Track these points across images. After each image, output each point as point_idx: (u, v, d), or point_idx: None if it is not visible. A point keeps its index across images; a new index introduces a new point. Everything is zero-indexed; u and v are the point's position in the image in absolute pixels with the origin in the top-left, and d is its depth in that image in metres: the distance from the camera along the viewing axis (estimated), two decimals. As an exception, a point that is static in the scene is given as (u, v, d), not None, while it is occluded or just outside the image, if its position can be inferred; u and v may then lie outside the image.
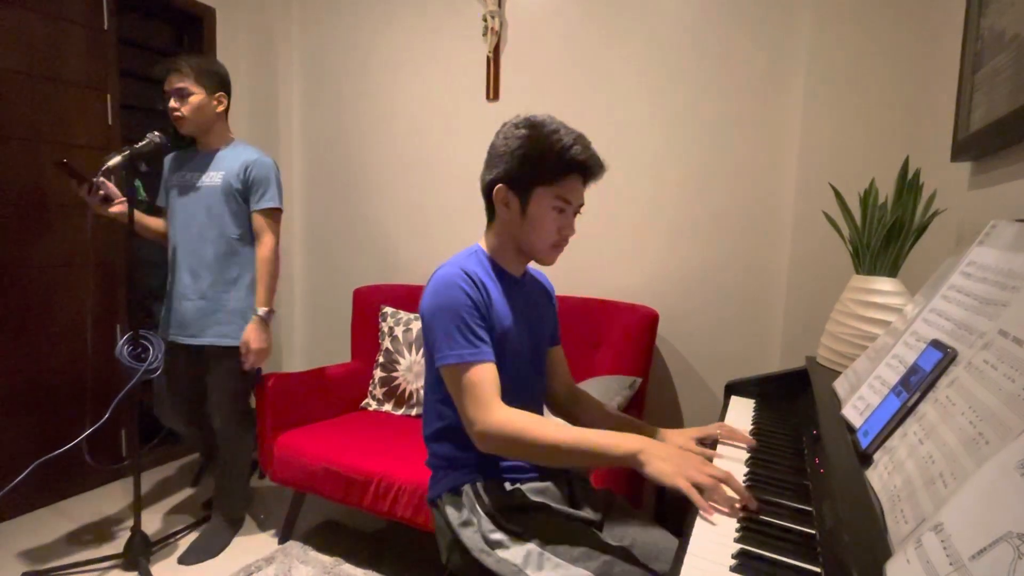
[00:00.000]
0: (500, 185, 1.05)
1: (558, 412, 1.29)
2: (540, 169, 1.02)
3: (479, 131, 2.31)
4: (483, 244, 1.14)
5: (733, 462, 0.98)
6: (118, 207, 1.75)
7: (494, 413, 0.94)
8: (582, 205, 1.09)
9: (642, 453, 0.88)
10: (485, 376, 0.96)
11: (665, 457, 0.86)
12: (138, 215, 1.85)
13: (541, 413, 1.20)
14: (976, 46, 1.10)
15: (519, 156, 1.02)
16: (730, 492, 0.81)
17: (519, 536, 0.97)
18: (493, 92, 2.26)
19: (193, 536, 1.96)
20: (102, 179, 1.68)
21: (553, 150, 1.01)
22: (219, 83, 1.83)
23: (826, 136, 1.70)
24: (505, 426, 0.93)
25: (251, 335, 1.82)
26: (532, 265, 1.18)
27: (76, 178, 1.66)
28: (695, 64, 1.93)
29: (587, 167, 1.03)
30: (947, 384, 0.63)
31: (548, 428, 0.93)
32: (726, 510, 0.79)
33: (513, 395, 1.06)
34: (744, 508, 0.78)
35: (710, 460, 0.98)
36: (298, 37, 2.72)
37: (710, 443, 1.06)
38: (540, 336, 1.19)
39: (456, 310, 0.98)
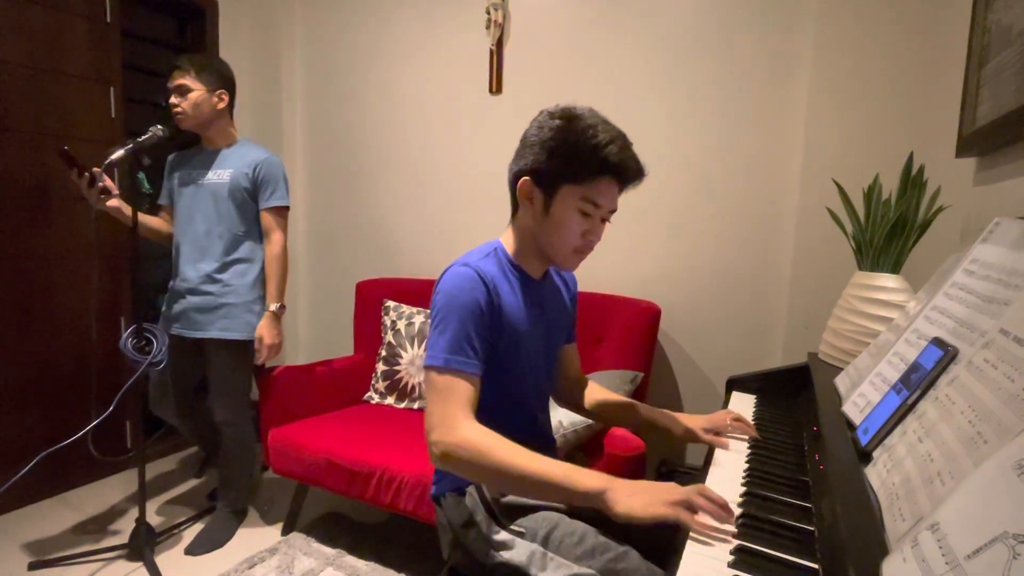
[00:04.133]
0: (525, 178, 0.99)
1: (568, 406, 1.29)
2: (568, 165, 0.95)
3: (482, 124, 2.31)
4: (504, 241, 1.07)
5: (734, 454, 0.98)
6: (114, 201, 1.75)
7: (459, 428, 0.88)
8: (614, 211, 1.01)
9: (609, 491, 0.81)
10: (462, 388, 0.91)
11: (632, 493, 0.80)
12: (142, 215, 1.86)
13: (547, 414, 1.20)
14: (983, 41, 1.09)
15: (548, 148, 0.95)
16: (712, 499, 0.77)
17: (522, 536, 0.97)
18: (496, 85, 2.25)
19: (197, 527, 1.98)
20: (101, 171, 1.68)
21: (586, 146, 0.93)
22: (221, 81, 1.84)
23: (830, 131, 1.69)
24: (469, 445, 0.86)
25: (264, 330, 1.86)
26: None
27: (76, 167, 1.64)
28: (699, 58, 1.92)
29: (621, 170, 0.95)
30: (947, 383, 0.63)
31: (514, 454, 0.85)
32: (716, 524, 0.74)
33: (519, 397, 1.06)
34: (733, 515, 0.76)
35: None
36: (300, 30, 2.71)
37: (719, 433, 1.08)
38: (554, 339, 1.15)
39: (459, 313, 0.93)
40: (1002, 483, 0.41)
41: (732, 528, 0.74)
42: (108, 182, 1.73)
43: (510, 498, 1.02)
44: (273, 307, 1.87)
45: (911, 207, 1.13)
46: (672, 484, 0.81)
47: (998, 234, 0.76)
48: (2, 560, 1.79)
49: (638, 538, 1.00)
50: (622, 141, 0.96)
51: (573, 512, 1.03)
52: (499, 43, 2.22)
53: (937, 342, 0.70)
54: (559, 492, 0.85)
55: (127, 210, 1.76)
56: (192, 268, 1.87)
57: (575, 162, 0.95)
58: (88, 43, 2.17)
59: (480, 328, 0.94)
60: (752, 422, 1.11)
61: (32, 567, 1.74)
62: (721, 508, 0.75)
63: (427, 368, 0.94)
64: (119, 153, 1.63)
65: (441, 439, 0.88)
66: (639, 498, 0.79)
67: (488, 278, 0.97)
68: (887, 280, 1.13)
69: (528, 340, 1.04)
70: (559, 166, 0.96)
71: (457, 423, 0.88)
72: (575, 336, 1.26)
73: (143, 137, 1.68)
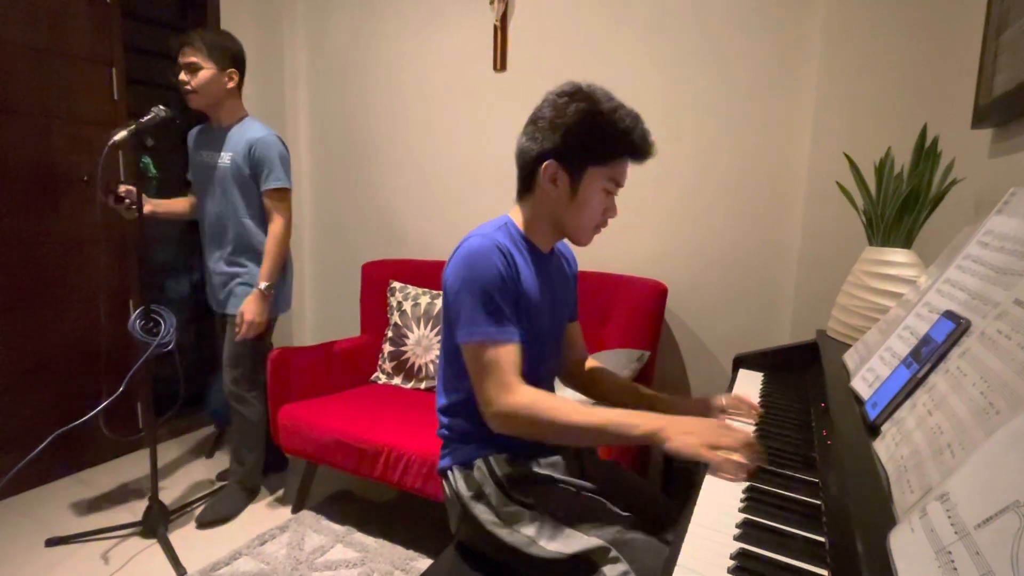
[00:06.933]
0: (550, 160, 0.99)
1: (573, 386, 1.29)
2: (596, 149, 0.98)
3: (486, 102, 2.28)
4: (514, 217, 1.08)
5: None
6: (148, 207, 1.82)
7: (516, 394, 0.92)
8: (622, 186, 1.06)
9: (664, 430, 0.87)
10: (508, 356, 0.94)
11: (687, 431, 0.86)
12: (161, 202, 1.94)
13: (553, 389, 1.21)
14: (1001, 6, 1.06)
15: (576, 132, 0.97)
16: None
17: (531, 508, 0.97)
18: (500, 62, 2.22)
19: (209, 504, 2.02)
20: (132, 188, 1.75)
21: (616, 130, 0.96)
22: (231, 59, 1.83)
23: (841, 104, 1.65)
24: (528, 408, 0.91)
25: (248, 306, 1.86)
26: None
27: (111, 196, 1.74)
28: (707, 32, 1.88)
29: (643, 152, 1.00)
30: (959, 355, 0.61)
31: (571, 409, 0.92)
32: (751, 468, 0.80)
33: (531, 371, 1.06)
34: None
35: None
36: (302, 9, 2.67)
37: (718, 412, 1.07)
38: (561, 314, 1.18)
39: (485, 286, 0.94)
40: (1014, 452, 0.40)
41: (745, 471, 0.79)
42: (148, 202, 1.83)
43: (518, 472, 1.02)
44: (261, 286, 1.86)
45: (924, 180, 1.10)
46: (717, 425, 0.87)
47: (1014, 204, 0.74)
48: (21, 536, 1.83)
49: (643, 511, 1.01)
50: (641, 123, 0.99)
51: (579, 487, 1.03)
52: (503, 19, 2.18)
53: (949, 315, 0.69)
54: (618, 437, 0.93)
55: (162, 207, 1.92)
56: (211, 248, 1.94)
57: (603, 146, 0.98)
58: (90, 24, 2.15)
59: (505, 296, 0.96)
60: (757, 401, 1.10)
61: (50, 543, 1.78)
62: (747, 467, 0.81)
63: (466, 344, 0.95)
64: (121, 135, 1.63)
65: (501, 410, 0.93)
66: (688, 437, 0.85)
67: (505, 248, 0.98)
68: (898, 255, 1.11)
69: (541, 311, 1.06)
70: (587, 150, 0.98)
71: (511, 390, 0.93)
72: (578, 315, 1.27)
73: (145, 118, 1.67)
